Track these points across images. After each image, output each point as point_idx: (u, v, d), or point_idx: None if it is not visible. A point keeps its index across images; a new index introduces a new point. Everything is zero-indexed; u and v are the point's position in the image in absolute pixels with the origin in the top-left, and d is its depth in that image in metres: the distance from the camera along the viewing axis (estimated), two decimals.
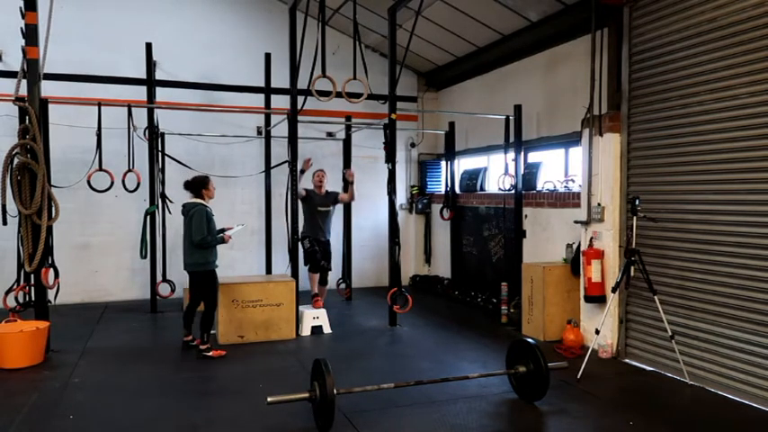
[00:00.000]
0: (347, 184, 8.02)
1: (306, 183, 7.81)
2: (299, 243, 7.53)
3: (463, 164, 10.14)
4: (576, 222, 6.67)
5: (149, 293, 8.42)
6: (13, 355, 5.63)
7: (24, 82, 6.08)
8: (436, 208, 10.38)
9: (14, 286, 6.65)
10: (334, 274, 9.67)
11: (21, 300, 6.60)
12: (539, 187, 7.87)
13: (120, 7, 9.04)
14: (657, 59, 5.71)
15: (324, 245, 7.83)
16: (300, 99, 7.33)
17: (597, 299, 6.17)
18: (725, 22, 5.04)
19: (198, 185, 6.32)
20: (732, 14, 4.97)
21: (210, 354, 6.15)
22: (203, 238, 6.11)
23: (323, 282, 7.91)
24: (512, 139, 8.08)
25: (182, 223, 8.98)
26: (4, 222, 6.03)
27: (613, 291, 5.58)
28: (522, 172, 8.05)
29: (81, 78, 8.68)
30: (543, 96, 7.92)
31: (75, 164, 7.99)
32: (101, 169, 6.98)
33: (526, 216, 8.03)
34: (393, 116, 7.46)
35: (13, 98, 6.25)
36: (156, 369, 5.75)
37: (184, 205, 6.34)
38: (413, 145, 10.86)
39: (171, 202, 8.53)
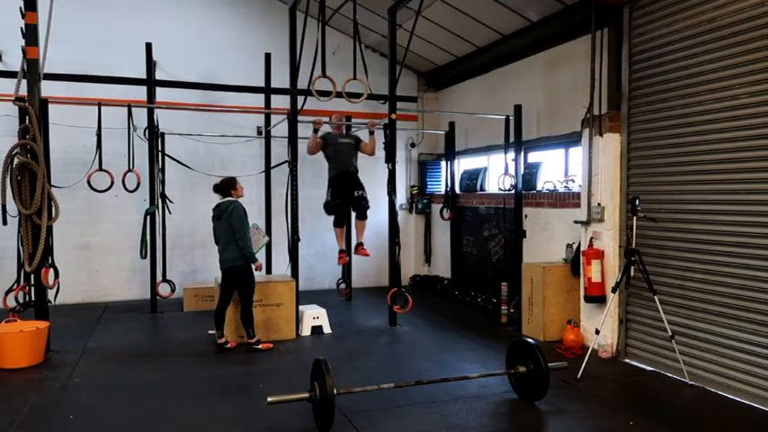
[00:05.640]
0: (370, 134, 7.53)
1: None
2: (327, 195, 7.20)
3: (463, 164, 10.14)
4: (575, 222, 6.67)
5: (149, 293, 8.42)
6: (13, 355, 5.63)
7: (24, 82, 6.09)
8: (436, 208, 10.37)
9: (14, 286, 6.66)
10: (334, 275, 9.70)
11: (21, 300, 6.61)
12: (539, 187, 7.87)
13: (120, 7, 9.04)
14: (657, 59, 5.71)
15: (351, 175, 7.21)
16: (300, 99, 7.32)
17: (597, 299, 6.17)
18: (725, 22, 5.04)
19: (227, 186, 6.47)
20: (732, 14, 4.97)
21: (260, 347, 6.35)
22: (245, 234, 6.27)
23: (361, 216, 7.30)
24: (512, 139, 8.08)
25: (182, 223, 9.09)
26: (4, 222, 6.03)
27: (613, 291, 5.58)
28: (522, 172, 8.05)
29: (81, 78, 8.68)
30: (543, 96, 7.92)
31: (75, 164, 7.99)
32: (101, 169, 6.97)
33: (526, 216, 8.03)
34: (393, 116, 7.46)
35: (13, 98, 6.25)
36: (157, 369, 5.76)
37: (218, 205, 6.44)
38: (413, 145, 10.86)
39: (171, 202, 8.54)
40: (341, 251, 7.51)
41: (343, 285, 9.30)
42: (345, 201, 7.24)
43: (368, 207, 7.34)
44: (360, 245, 7.38)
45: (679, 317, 5.47)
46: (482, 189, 9.28)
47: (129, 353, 6.30)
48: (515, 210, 8.03)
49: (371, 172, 8.81)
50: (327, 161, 7.36)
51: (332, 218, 7.41)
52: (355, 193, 7.19)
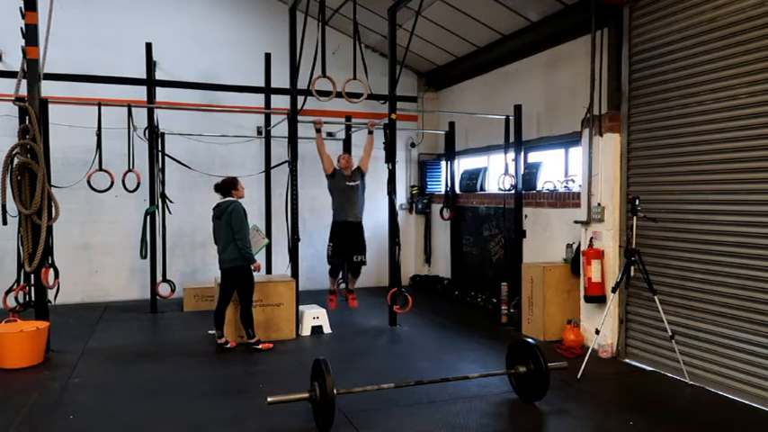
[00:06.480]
0: (369, 134, 7.58)
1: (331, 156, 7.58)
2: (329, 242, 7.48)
3: (463, 164, 10.14)
4: (575, 222, 6.67)
5: (149, 293, 8.42)
6: (13, 355, 5.64)
7: (24, 82, 6.09)
8: (436, 208, 10.37)
9: (14, 286, 6.66)
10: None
11: (21, 300, 6.61)
12: (539, 187, 7.87)
13: (120, 7, 9.04)
14: (657, 59, 5.71)
15: (354, 230, 7.37)
16: (300, 99, 7.33)
17: (597, 299, 6.17)
18: (725, 22, 5.04)
19: (228, 186, 6.48)
20: (732, 14, 4.97)
21: (260, 347, 6.37)
22: (244, 235, 6.29)
23: (355, 273, 7.60)
24: (512, 139, 8.08)
25: (182, 223, 9.10)
26: (4, 222, 6.03)
27: (613, 291, 5.58)
28: (522, 172, 8.05)
29: (81, 78, 8.67)
30: (543, 96, 7.92)
31: (75, 164, 7.99)
32: (101, 169, 6.97)
33: (526, 216, 8.03)
34: (393, 116, 7.47)
35: (13, 98, 6.26)
36: (156, 369, 5.76)
37: (218, 205, 6.45)
38: (413, 145, 10.86)
39: (171, 202, 8.54)
40: (332, 292, 7.64)
41: (342, 285, 9.29)
42: (344, 260, 7.53)
43: (364, 264, 7.58)
44: (351, 293, 7.64)
45: (679, 317, 5.47)
46: (482, 189, 9.28)
47: (129, 353, 6.30)
48: (515, 210, 8.03)
49: (372, 172, 8.82)
50: (331, 196, 7.44)
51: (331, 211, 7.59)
52: (354, 258, 7.44)
